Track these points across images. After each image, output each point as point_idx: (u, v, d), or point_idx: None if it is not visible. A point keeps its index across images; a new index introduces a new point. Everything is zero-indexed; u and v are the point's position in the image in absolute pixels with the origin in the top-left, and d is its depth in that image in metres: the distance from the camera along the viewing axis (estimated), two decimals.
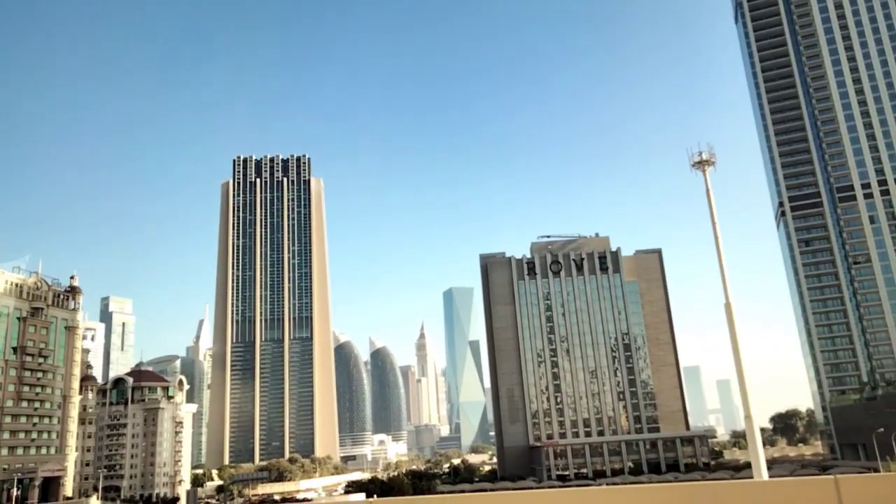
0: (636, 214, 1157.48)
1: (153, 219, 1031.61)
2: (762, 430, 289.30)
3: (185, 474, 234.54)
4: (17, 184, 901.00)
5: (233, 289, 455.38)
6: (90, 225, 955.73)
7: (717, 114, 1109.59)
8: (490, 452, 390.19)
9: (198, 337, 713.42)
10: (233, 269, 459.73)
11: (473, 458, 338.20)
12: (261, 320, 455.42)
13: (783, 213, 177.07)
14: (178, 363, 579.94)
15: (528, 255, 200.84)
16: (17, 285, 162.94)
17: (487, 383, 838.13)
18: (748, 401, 23.46)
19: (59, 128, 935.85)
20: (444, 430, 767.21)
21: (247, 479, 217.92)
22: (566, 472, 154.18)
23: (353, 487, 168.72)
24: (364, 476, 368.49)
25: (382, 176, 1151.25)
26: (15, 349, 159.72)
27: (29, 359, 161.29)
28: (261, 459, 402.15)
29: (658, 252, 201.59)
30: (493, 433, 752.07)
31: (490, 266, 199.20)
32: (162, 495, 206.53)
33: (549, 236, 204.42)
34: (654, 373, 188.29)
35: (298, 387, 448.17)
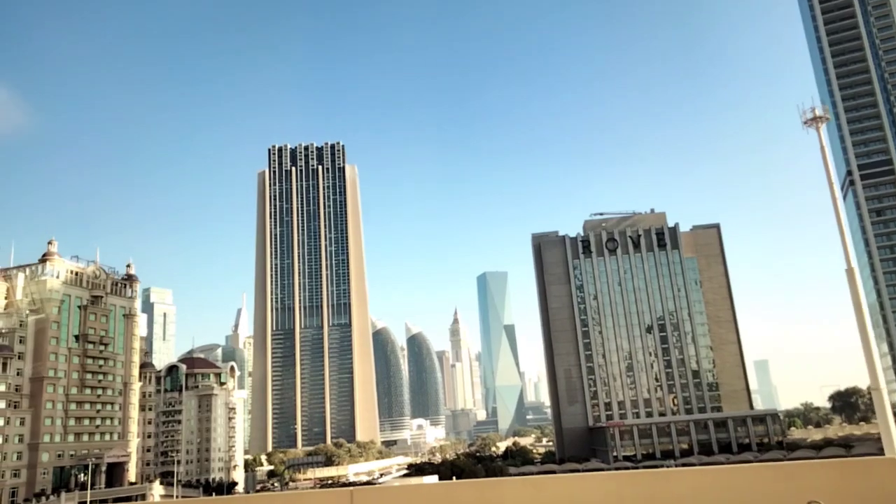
0: (674, 194, 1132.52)
1: (190, 211, 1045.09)
2: (818, 409, 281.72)
3: (239, 459, 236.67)
4: (61, 175, 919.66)
5: (272, 277, 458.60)
6: (128, 218, 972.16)
7: (776, 86, 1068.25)
8: (534, 435, 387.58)
9: (236, 326, 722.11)
10: (271, 257, 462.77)
11: (504, 444, 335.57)
12: (300, 308, 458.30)
13: (851, 182, 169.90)
14: (219, 352, 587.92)
15: (581, 234, 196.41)
16: (77, 274, 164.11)
17: (523, 367, 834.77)
18: (876, 372, 20.45)
19: (98, 120, 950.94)
20: (481, 415, 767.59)
21: (301, 464, 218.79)
22: (632, 453, 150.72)
23: (412, 470, 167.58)
24: (407, 460, 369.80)
25: (414, 161, 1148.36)
26: (77, 337, 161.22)
27: (91, 346, 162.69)
28: (303, 445, 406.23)
29: (716, 227, 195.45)
30: (529, 416, 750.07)
31: (543, 245, 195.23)
32: (217, 480, 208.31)
33: (601, 214, 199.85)
34: (716, 351, 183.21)
35: (338, 373, 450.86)
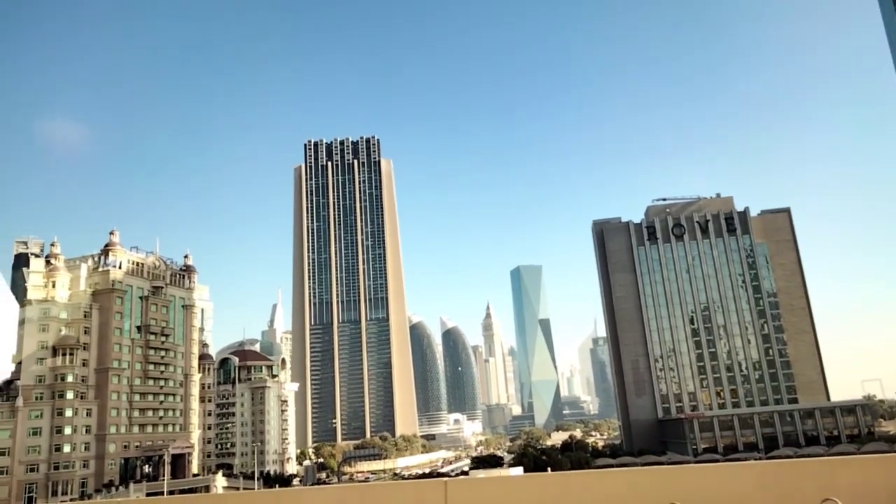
0: (729, 181, 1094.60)
1: (225, 208, 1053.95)
2: (882, 401, 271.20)
3: (292, 452, 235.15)
4: (101, 168, 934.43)
5: (309, 272, 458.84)
6: (161, 216, 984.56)
7: (830, 66, 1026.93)
8: (579, 429, 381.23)
9: (272, 321, 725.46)
10: (308, 252, 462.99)
11: (557, 436, 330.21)
12: (337, 302, 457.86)
13: None
14: (257, 346, 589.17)
15: (644, 220, 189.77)
16: (138, 265, 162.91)
17: (559, 362, 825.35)
18: None
19: (134, 117, 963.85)
20: (516, 410, 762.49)
21: (354, 457, 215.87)
22: (710, 446, 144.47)
23: (477, 463, 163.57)
24: (450, 454, 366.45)
25: (448, 155, 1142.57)
26: (139, 328, 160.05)
27: (152, 337, 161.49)
28: (343, 439, 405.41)
29: (787, 211, 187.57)
30: (566, 411, 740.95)
31: (606, 232, 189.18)
32: (274, 472, 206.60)
33: (664, 199, 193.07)
34: (790, 341, 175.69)
35: (377, 367, 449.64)
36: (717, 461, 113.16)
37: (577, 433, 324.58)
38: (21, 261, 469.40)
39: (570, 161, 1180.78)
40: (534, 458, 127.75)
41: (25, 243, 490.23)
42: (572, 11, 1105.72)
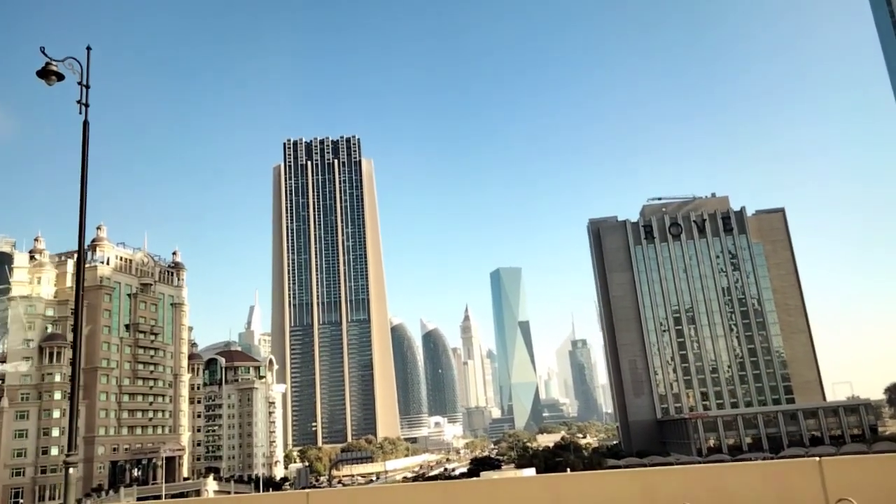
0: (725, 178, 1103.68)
1: (203, 208, 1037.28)
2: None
3: (280, 455, 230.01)
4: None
5: (289, 273, 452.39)
6: (140, 214, 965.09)
7: (821, 59, 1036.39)
8: (563, 431, 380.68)
9: (249, 323, 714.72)
10: (288, 252, 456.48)
11: (543, 439, 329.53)
12: (318, 303, 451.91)
13: None
14: (236, 349, 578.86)
15: (640, 219, 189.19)
16: (127, 261, 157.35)
17: (539, 364, 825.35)
18: None
19: (117, 116, 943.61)
20: (496, 412, 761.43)
21: (343, 460, 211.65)
22: (715, 445, 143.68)
23: (477, 465, 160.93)
24: (435, 457, 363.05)
25: (428, 156, 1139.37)
26: (127, 326, 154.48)
27: (141, 336, 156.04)
28: (323, 443, 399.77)
29: (781, 211, 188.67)
30: (546, 414, 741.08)
31: (602, 231, 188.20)
32: (263, 475, 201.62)
33: (660, 198, 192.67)
34: (786, 340, 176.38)
35: (358, 369, 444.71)
36: (724, 461, 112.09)
37: (558, 436, 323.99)
38: None
39: (551, 162, 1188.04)
40: (543, 460, 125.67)
41: None
42: (557, 9, 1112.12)
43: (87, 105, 18.17)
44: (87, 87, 18.30)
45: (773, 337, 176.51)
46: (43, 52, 17.85)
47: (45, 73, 17.80)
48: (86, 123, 18.26)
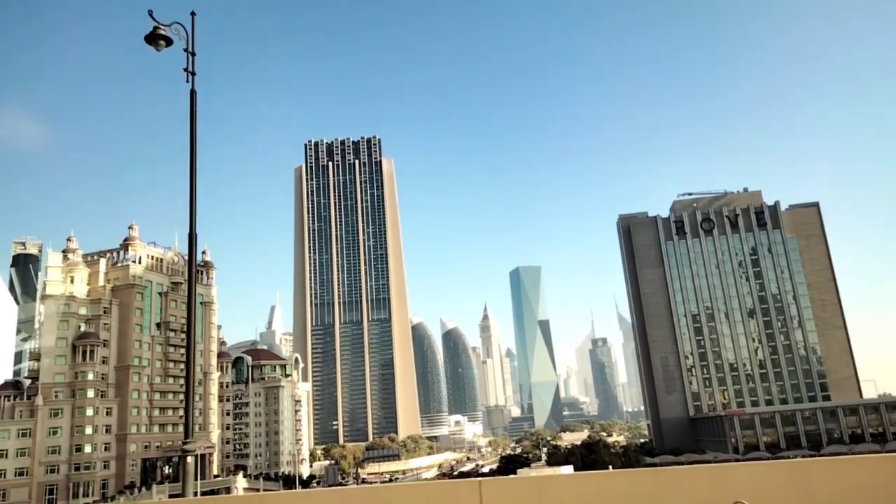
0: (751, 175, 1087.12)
1: (223, 207, 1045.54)
2: None
3: (306, 453, 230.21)
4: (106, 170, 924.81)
5: (310, 272, 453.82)
6: (159, 216, 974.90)
7: (855, 63, 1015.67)
8: (586, 430, 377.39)
9: (270, 322, 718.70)
10: (309, 252, 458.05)
11: (568, 437, 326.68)
12: (339, 303, 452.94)
13: None
14: (262, 348, 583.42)
15: (671, 215, 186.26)
16: (158, 260, 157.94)
17: (561, 362, 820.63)
18: None
19: (142, 118, 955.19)
20: (515, 411, 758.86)
21: (372, 458, 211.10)
22: (752, 443, 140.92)
23: (507, 462, 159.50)
24: (456, 456, 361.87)
25: (448, 156, 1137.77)
26: (158, 325, 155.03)
27: (172, 334, 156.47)
28: (344, 441, 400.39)
29: (815, 206, 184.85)
30: (566, 412, 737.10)
31: (633, 227, 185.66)
32: (289, 473, 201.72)
33: (690, 194, 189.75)
34: (821, 336, 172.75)
35: (378, 368, 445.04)
36: (764, 459, 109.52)
37: (584, 434, 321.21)
38: (19, 261, 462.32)
39: (571, 162, 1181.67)
40: (580, 458, 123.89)
41: (23, 244, 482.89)
42: (578, 8, 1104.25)
43: (193, 73, 17.23)
44: (193, 53, 17.36)
45: (809, 333, 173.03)
46: (151, 16, 16.91)
47: (153, 38, 16.88)
48: (193, 93, 17.32)
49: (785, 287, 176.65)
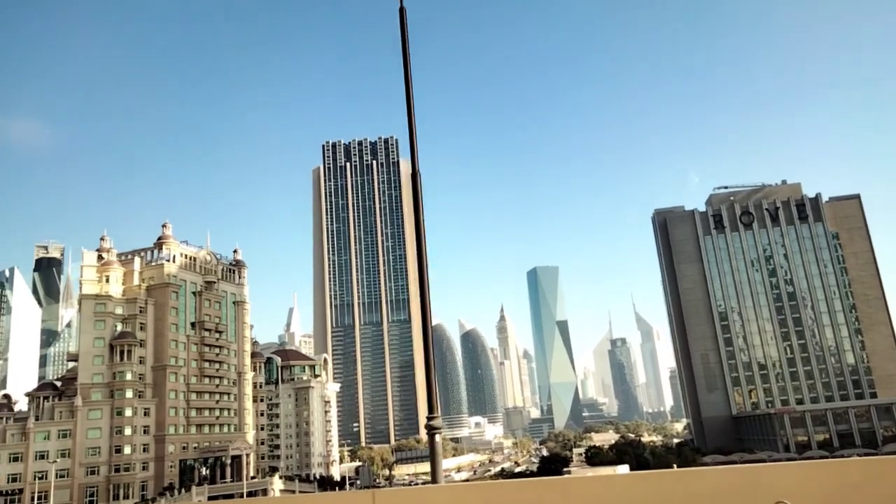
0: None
1: (240, 209, 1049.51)
2: None
3: (335, 453, 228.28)
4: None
5: (329, 274, 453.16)
6: (179, 216, 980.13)
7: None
8: (611, 430, 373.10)
9: (288, 324, 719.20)
10: (328, 254, 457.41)
11: (597, 438, 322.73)
12: (359, 304, 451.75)
13: None
14: (291, 348, 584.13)
15: (709, 208, 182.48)
16: (191, 259, 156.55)
17: (578, 363, 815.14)
18: None
19: (159, 120, 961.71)
20: (535, 412, 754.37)
21: (404, 459, 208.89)
22: (803, 441, 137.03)
23: (545, 463, 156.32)
24: (479, 458, 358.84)
25: (465, 156, 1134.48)
26: (193, 324, 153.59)
27: (207, 334, 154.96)
28: (366, 443, 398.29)
29: (857, 198, 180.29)
30: (585, 413, 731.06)
31: (669, 221, 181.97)
32: (322, 475, 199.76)
33: (726, 187, 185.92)
34: (866, 332, 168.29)
35: (399, 369, 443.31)
36: (823, 458, 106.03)
37: (609, 434, 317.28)
38: (41, 265, 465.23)
39: (587, 161, 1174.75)
40: (636, 457, 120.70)
41: (45, 248, 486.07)
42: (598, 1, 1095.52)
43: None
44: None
45: (853, 329, 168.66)
46: None
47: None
48: (402, 10, 14.79)
49: (828, 281, 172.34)
